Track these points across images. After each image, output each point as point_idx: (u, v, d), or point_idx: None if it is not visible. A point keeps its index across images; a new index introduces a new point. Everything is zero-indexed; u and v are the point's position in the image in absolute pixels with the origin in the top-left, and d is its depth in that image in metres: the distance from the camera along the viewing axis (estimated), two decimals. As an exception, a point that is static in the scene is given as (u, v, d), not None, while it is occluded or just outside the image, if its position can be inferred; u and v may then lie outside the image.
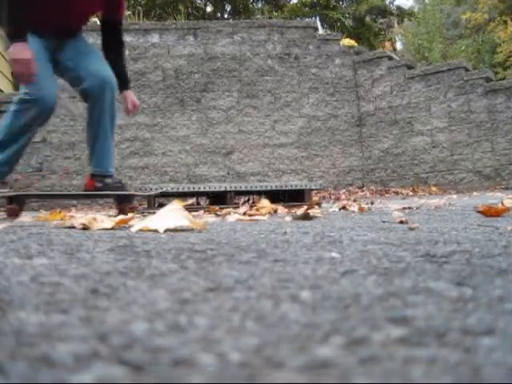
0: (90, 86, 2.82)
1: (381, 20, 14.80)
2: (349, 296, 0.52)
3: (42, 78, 2.68)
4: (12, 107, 2.82)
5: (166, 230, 1.29)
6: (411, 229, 1.35)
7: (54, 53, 2.89)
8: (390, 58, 7.63)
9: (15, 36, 2.58)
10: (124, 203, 2.95)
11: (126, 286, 0.57)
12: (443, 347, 0.35)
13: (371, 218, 2.00)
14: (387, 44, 14.63)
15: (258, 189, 3.66)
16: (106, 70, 2.90)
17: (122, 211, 2.81)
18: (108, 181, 2.95)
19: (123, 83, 3.13)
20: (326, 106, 7.56)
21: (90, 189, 2.99)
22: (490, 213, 1.85)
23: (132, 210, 2.90)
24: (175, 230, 1.33)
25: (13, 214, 2.67)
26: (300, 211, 2.20)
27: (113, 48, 3.07)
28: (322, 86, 7.59)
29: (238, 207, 3.05)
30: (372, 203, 3.54)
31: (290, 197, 3.60)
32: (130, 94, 3.26)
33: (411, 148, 7.30)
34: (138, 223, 1.41)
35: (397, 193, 6.71)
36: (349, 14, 14.10)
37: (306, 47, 7.61)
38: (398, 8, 15.22)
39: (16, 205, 2.73)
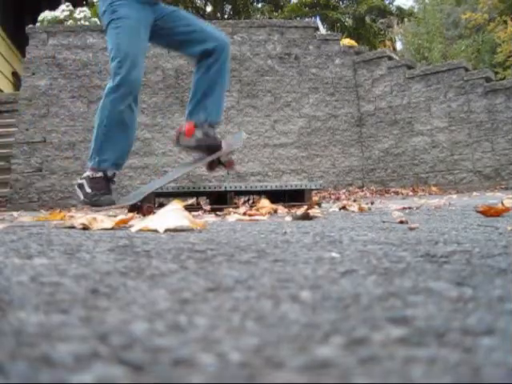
0: (214, 47, 3.06)
1: (381, 20, 14.80)
2: (349, 296, 0.52)
3: (138, 55, 2.89)
4: (109, 85, 2.88)
5: (166, 230, 1.29)
6: (411, 229, 1.35)
7: (156, 20, 3.05)
8: (390, 58, 7.63)
9: None
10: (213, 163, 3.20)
11: (126, 286, 0.57)
12: (443, 347, 0.35)
13: (371, 218, 2.00)
14: (387, 44, 14.63)
15: (258, 189, 3.65)
16: (222, 33, 3.20)
17: (210, 168, 3.18)
18: (211, 132, 3.12)
19: None
20: (326, 106, 7.56)
21: (187, 137, 3.09)
22: (490, 213, 1.85)
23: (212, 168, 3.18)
24: (175, 230, 1.33)
25: (150, 213, 2.81)
26: (300, 211, 2.20)
27: None
28: (321, 86, 7.59)
29: (238, 207, 3.04)
30: (372, 203, 3.54)
31: (289, 197, 3.59)
32: None
33: (411, 148, 7.30)
34: (138, 223, 1.42)
35: (397, 193, 6.70)
36: (349, 13, 14.10)
37: (305, 47, 7.61)
38: (398, 8, 15.22)
39: (147, 203, 2.89)
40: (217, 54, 3.07)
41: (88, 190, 2.88)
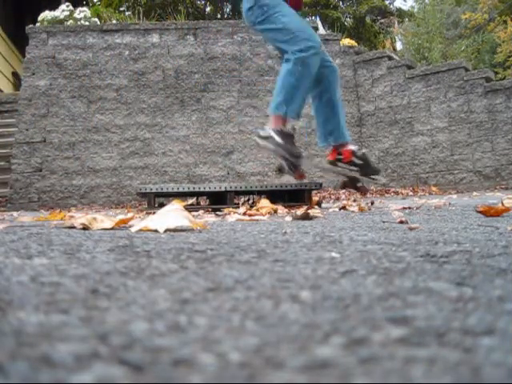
0: (328, 73, 3.40)
1: (381, 20, 14.80)
2: (349, 296, 0.52)
3: (308, 27, 3.31)
4: (294, 56, 3.20)
5: (166, 230, 1.29)
6: (411, 229, 1.35)
7: None
8: (390, 58, 7.63)
9: None
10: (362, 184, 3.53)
11: (126, 285, 0.57)
12: (443, 347, 0.35)
13: (371, 217, 2.00)
14: (387, 44, 14.62)
15: (258, 189, 3.65)
16: (330, 59, 3.48)
17: (362, 191, 3.48)
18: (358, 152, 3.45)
19: None
20: (326, 106, 7.55)
21: (332, 160, 3.47)
22: (490, 213, 1.85)
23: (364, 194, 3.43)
24: (175, 230, 1.33)
25: (365, 193, 3.35)
26: (300, 211, 2.20)
27: None
28: (322, 86, 7.58)
29: (238, 207, 3.04)
30: (372, 203, 3.54)
31: (289, 197, 3.59)
32: None
33: (411, 148, 7.30)
34: (138, 223, 1.41)
35: (397, 193, 6.70)
36: (349, 13, 14.10)
37: (306, 47, 7.61)
38: (398, 9, 15.22)
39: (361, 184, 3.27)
40: (333, 81, 3.41)
41: (280, 140, 3.17)
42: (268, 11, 3.28)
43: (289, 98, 3.19)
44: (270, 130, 3.20)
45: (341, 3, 14.61)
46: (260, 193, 3.77)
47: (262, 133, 3.24)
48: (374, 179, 3.51)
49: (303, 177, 3.37)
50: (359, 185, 3.53)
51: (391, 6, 15.13)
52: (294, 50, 3.17)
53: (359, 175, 3.46)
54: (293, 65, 3.18)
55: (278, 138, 3.17)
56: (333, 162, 3.48)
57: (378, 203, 3.98)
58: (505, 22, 19.71)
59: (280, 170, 3.37)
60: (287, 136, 3.20)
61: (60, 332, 0.38)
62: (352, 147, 3.45)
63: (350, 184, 3.56)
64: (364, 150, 3.53)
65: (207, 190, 3.35)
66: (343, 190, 7.06)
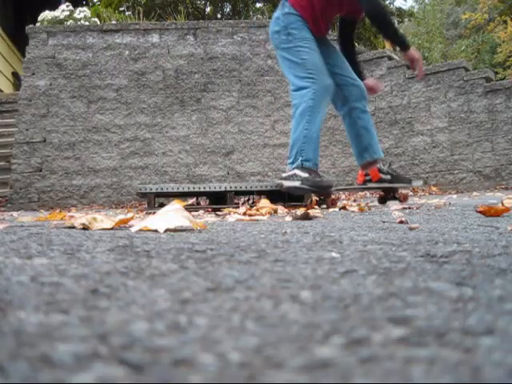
0: (357, 93, 3.47)
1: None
2: (349, 296, 0.52)
3: (323, 66, 3.31)
4: (304, 104, 3.24)
5: (166, 230, 1.29)
6: (411, 229, 1.35)
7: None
8: (390, 58, 7.63)
9: (407, 43, 3.34)
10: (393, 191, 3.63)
11: (126, 285, 0.57)
12: (443, 347, 0.35)
13: (371, 218, 2.00)
14: (387, 44, 14.62)
15: (258, 189, 3.65)
16: (359, 80, 3.53)
17: (404, 199, 3.53)
18: (389, 167, 3.57)
19: (361, 72, 3.65)
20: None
21: (361, 184, 3.56)
22: (490, 213, 1.85)
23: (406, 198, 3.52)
24: (175, 230, 1.33)
25: (406, 199, 3.49)
26: (300, 211, 2.20)
27: (349, 42, 3.65)
28: (322, 86, 7.58)
29: (238, 207, 3.04)
30: (372, 203, 3.54)
31: (290, 197, 3.59)
32: (369, 80, 3.70)
33: (411, 148, 7.30)
34: (138, 223, 1.41)
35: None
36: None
37: (306, 47, 7.61)
38: (398, 9, 15.21)
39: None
40: (362, 100, 3.48)
41: (305, 175, 3.19)
42: (293, 41, 3.30)
43: (303, 148, 3.22)
44: (292, 169, 3.25)
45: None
46: (260, 193, 3.77)
47: (284, 174, 3.31)
48: (408, 186, 3.67)
49: (335, 203, 3.42)
50: (397, 194, 3.64)
51: (391, 6, 15.13)
52: (305, 89, 3.21)
53: (392, 185, 3.58)
54: (302, 110, 3.22)
55: (302, 173, 3.20)
56: (362, 184, 3.59)
57: (377, 203, 3.98)
58: (505, 22, 19.70)
59: (383, 200, 3.51)
60: (310, 170, 3.22)
61: (60, 332, 0.38)
62: (377, 165, 3.53)
63: (388, 195, 3.69)
64: (388, 163, 3.63)
65: (207, 190, 3.35)
66: (343, 190, 7.06)
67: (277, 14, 3.39)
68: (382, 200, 3.72)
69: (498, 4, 20.90)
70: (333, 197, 3.59)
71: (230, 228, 1.50)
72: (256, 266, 0.72)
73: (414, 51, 3.35)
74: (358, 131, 3.52)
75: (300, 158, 3.19)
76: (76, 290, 0.54)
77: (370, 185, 3.55)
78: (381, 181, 3.51)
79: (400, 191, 3.68)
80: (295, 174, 3.19)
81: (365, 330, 0.39)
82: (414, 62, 3.34)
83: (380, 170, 3.51)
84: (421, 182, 3.88)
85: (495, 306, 0.47)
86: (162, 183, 6.97)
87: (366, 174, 3.53)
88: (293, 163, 3.23)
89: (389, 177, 3.51)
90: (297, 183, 3.18)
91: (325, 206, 3.27)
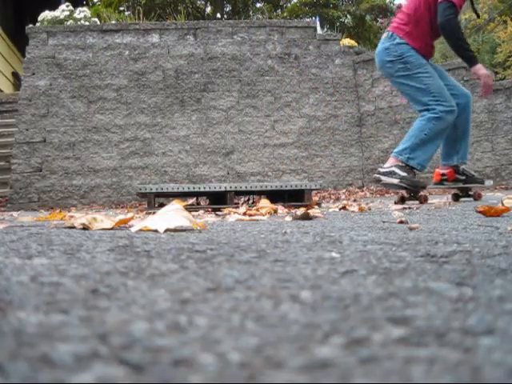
0: (464, 101, 3.64)
1: (381, 20, 14.79)
2: (349, 296, 0.52)
3: (444, 89, 3.53)
4: (429, 115, 3.49)
5: (166, 230, 1.29)
6: (411, 229, 1.35)
7: None
8: (390, 58, 7.62)
9: (475, 59, 3.55)
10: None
11: (126, 285, 0.57)
12: (443, 347, 0.35)
13: (371, 217, 2.00)
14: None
15: (258, 189, 3.66)
16: (464, 89, 3.78)
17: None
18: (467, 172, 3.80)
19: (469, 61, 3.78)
20: (326, 106, 7.55)
21: (437, 182, 3.81)
22: (490, 213, 1.85)
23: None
24: (175, 230, 1.33)
25: (480, 197, 3.74)
26: (300, 211, 2.20)
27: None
28: (321, 86, 7.58)
29: (238, 207, 3.04)
30: (372, 203, 3.54)
31: (289, 197, 3.60)
32: (478, 69, 3.73)
33: (411, 148, 7.29)
34: (137, 223, 1.41)
35: (397, 193, 6.70)
36: (349, 12, 14.09)
37: (305, 47, 7.61)
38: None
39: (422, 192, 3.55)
40: (467, 107, 3.68)
41: (403, 173, 3.38)
42: (411, 69, 3.52)
43: (415, 148, 3.44)
44: (391, 166, 3.40)
45: (340, 2, 14.61)
46: (260, 193, 3.77)
47: (382, 170, 3.44)
48: (481, 186, 3.89)
49: (426, 200, 3.57)
50: (471, 192, 3.84)
51: (392, 5, 15.12)
52: (431, 110, 3.39)
53: (467, 185, 3.78)
54: (426, 121, 3.44)
55: (400, 172, 3.37)
56: (439, 183, 3.81)
57: (377, 203, 3.98)
58: (505, 22, 19.70)
59: (401, 200, 3.59)
60: (408, 170, 3.39)
61: (60, 332, 0.38)
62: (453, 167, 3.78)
63: (462, 193, 3.90)
64: (463, 166, 3.82)
65: (207, 190, 3.35)
66: (343, 190, 7.06)
67: (384, 45, 3.60)
68: (456, 197, 3.95)
69: (497, 4, 20.88)
70: (316, 198, 3.67)
71: (230, 228, 1.50)
72: (256, 266, 0.72)
73: (478, 68, 3.47)
74: (459, 135, 3.71)
75: (408, 155, 3.39)
76: (76, 290, 0.54)
77: (446, 184, 3.78)
78: (456, 180, 3.75)
79: (475, 190, 3.89)
80: (394, 172, 3.37)
81: (365, 330, 0.39)
82: (480, 79, 3.48)
83: (456, 171, 3.74)
84: (491, 182, 4.08)
85: (495, 306, 0.47)
86: (161, 183, 6.97)
87: (443, 174, 3.76)
88: (399, 154, 3.42)
89: (464, 177, 3.74)
90: (395, 181, 3.38)
91: (417, 201, 3.49)
